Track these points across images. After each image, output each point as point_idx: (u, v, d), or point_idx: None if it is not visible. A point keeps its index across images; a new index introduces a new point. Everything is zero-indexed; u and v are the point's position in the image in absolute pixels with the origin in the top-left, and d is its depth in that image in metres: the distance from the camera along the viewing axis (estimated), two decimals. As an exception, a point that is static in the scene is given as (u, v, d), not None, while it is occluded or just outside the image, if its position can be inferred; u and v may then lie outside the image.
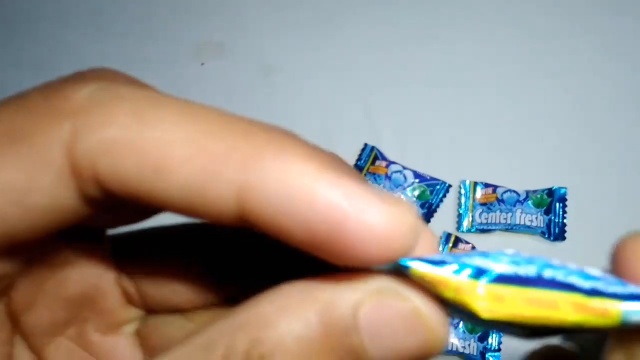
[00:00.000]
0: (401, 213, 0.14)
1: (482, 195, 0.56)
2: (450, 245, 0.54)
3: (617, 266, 0.15)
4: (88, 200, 0.16)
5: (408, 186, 0.57)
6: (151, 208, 0.16)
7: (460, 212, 0.56)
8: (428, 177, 0.57)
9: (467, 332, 0.52)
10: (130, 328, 0.21)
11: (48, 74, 0.18)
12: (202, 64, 0.63)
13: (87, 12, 0.67)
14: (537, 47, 0.62)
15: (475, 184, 0.56)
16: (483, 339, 0.51)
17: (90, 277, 0.20)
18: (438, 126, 0.60)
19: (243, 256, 0.21)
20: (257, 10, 0.65)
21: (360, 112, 0.61)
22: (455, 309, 0.15)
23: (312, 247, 0.14)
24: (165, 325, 0.21)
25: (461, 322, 0.52)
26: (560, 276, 0.15)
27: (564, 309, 0.14)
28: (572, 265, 0.15)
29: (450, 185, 0.57)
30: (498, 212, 0.55)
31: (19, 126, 0.15)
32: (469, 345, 0.52)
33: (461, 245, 0.54)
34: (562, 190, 0.55)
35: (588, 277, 0.15)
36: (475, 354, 0.51)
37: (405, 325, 0.15)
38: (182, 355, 0.15)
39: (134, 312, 0.21)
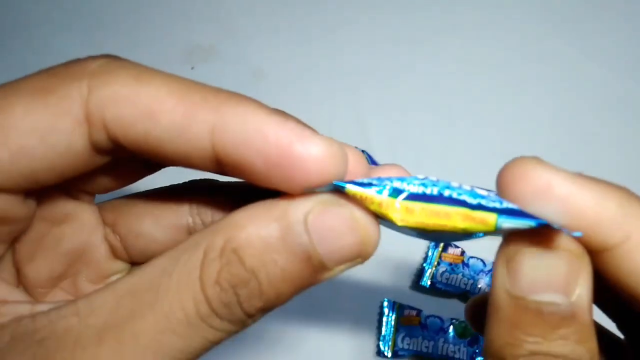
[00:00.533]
0: (333, 145, 0.18)
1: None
2: (440, 249, 0.54)
3: (499, 185, 0.20)
4: (97, 149, 0.20)
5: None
6: (146, 156, 0.20)
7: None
8: (417, 181, 0.57)
9: (457, 338, 0.51)
10: (117, 278, 0.24)
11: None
12: (192, 67, 0.63)
13: (77, 17, 0.68)
14: (530, 53, 0.62)
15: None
16: (473, 343, 0.51)
17: (82, 234, 0.24)
18: (429, 131, 0.60)
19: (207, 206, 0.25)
20: (247, 14, 0.65)
21: (350, 117, 0.61)
22: (380, 219, 0.20)
23: (268, 174, 0.18)
24: None
25: (451, 328, 0.51)
26: (455, 195, 0.19)
27: (455, 218, 0.19)
28: (466, 187, 0.20)
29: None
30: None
31: (48, 83, 0.19)
32: (459, 350, 0.51)
33: (450, 250, 0.54)
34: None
35: (476, 195, 0.19)
36: (465, 358, 0.50)
37: (344, 226, 0.19)
38: (174, 254, 0.19)
39: (121, 265, 0.26)
